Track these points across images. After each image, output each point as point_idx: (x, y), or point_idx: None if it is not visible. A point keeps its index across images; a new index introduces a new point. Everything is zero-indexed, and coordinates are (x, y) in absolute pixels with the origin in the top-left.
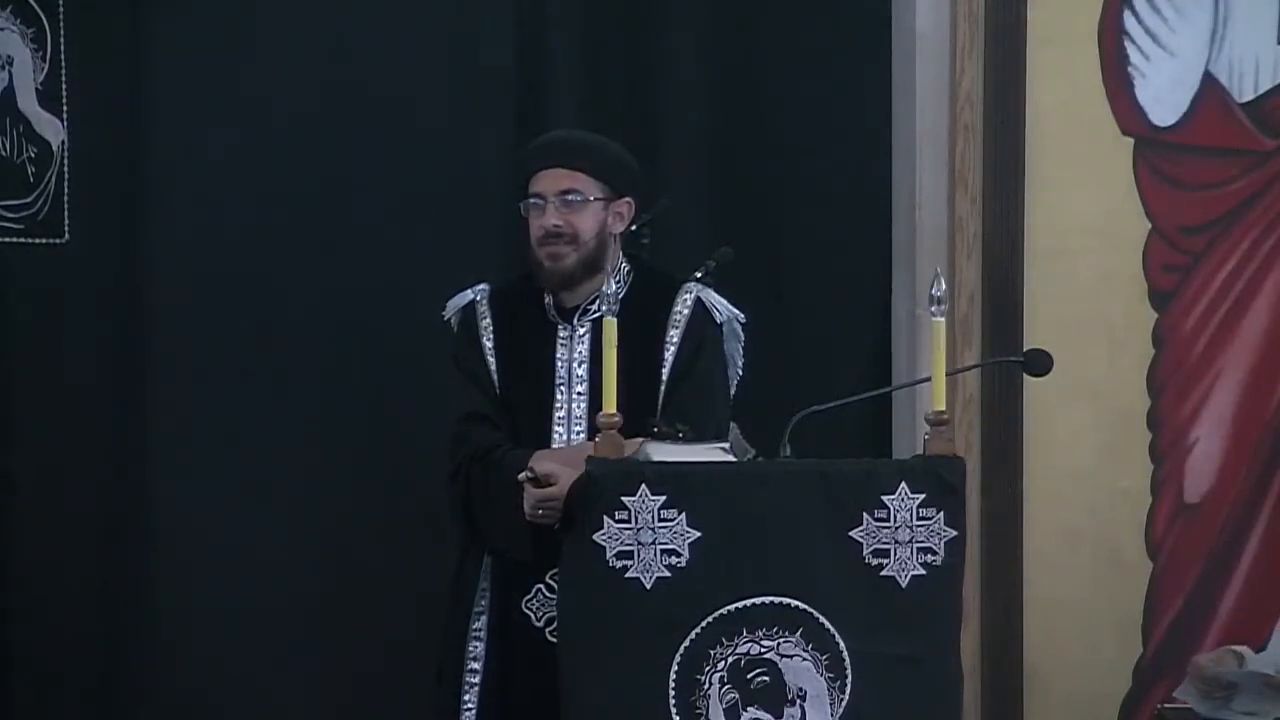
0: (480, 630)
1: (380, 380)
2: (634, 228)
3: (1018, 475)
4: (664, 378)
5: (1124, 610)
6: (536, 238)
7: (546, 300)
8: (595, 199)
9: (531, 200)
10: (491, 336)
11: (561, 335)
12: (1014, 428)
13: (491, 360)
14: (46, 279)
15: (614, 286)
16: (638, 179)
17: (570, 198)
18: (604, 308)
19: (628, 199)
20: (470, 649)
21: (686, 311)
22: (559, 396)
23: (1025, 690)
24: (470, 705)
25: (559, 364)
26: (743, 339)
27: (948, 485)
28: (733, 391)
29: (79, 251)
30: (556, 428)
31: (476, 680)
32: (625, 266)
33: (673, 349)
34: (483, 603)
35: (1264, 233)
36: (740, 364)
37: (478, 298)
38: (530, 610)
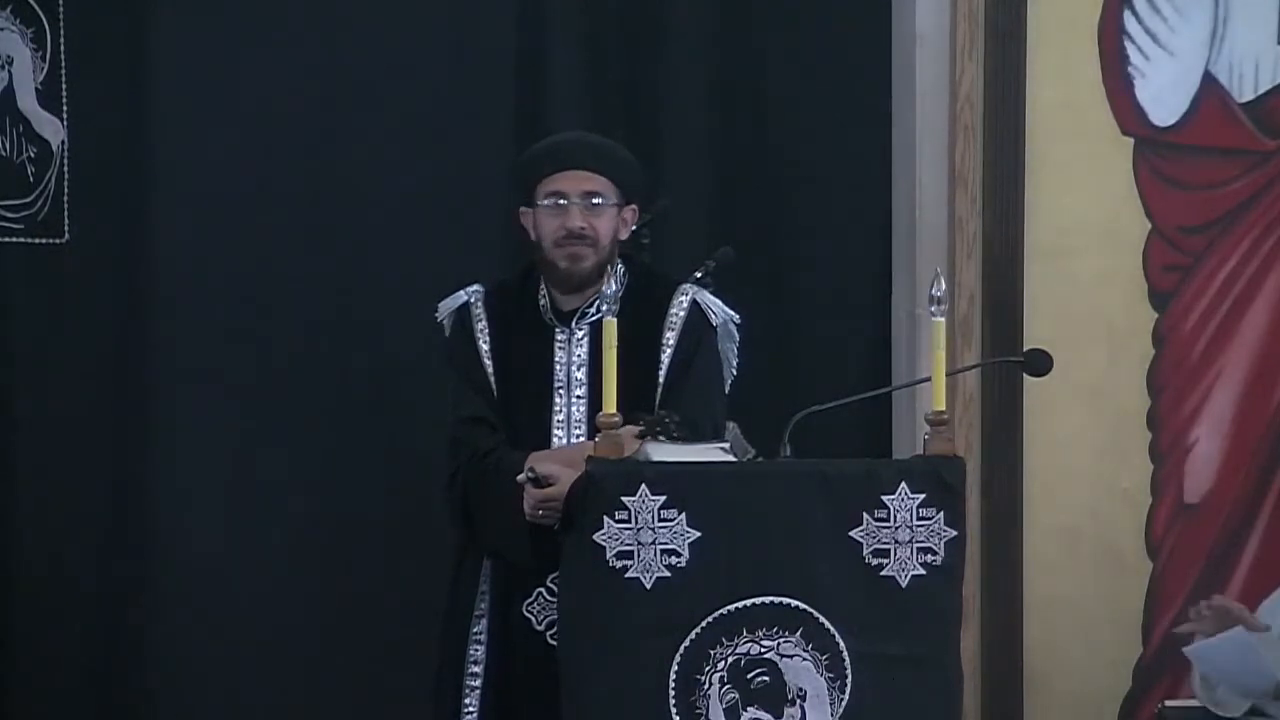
0: (480, 634)
1: (380, 380)
2: (633, 228)
3: (1018, 475)
4: (661, 379)
5: (1124, 610)
6: (556, 238)
7: (542, 303)
8: (613, 203)
9: (550, 201)
10: (488, 339)
11: (559, 338)
12: (1014, 428)
13: (488, 363)
14: (46, 279)
15: (614, 287)
16: (644, 186)
17: (595, 200)
18: (603, 308)
19: (633, 205)
20: (471, 652)
21: (682, 313)
22: (558, 400)
23: (1025, 690)
24: (471, 709)
25: (557, 367)
26: (737, 339)
27: (948, 485)
28: (727, 390)
29: (79, 251)
30: (556, 431)
31: (477, 684)
32: (620, 268)
33: (669, 350)
34: (483, 606)
35: (1264, 233)
36: (734, 363)
37: (472, 299)
38: (531, 614)
